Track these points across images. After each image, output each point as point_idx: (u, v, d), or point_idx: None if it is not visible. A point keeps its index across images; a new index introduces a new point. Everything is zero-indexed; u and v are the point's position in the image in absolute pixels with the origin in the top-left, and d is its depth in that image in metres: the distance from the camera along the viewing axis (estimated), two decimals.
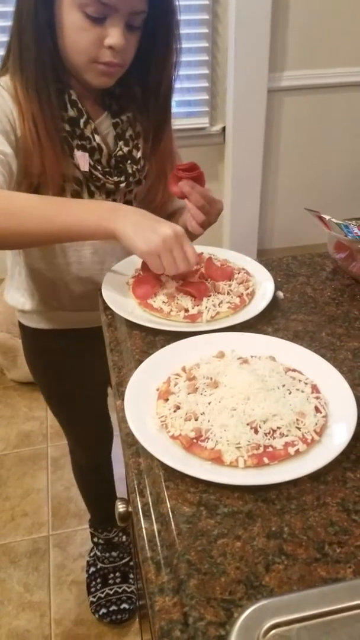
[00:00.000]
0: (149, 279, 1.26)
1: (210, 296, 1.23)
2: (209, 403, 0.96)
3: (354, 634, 0.68)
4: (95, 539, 2.12)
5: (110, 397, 1.82)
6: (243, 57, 2.76)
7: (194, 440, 0.91)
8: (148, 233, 1.11)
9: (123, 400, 0.99)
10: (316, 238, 1.53)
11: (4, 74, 1.26)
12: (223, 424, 0.92)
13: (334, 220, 1.30)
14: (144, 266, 1.28)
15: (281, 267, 1.43)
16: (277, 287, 1.32)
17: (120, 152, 1.38)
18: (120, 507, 1.12)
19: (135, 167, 1.41)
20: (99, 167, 1.34)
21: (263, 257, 1.46)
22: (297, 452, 0.90)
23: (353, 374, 1.08)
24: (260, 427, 0.92)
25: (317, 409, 0.96)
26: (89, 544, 2.19)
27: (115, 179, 1.37)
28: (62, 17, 1.19)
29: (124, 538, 2.13)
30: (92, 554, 2.15)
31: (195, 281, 1.25)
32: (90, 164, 1.32)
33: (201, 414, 0.95)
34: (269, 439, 0.91)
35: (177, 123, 2.82)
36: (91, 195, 1.36)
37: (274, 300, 1.27)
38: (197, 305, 1.21)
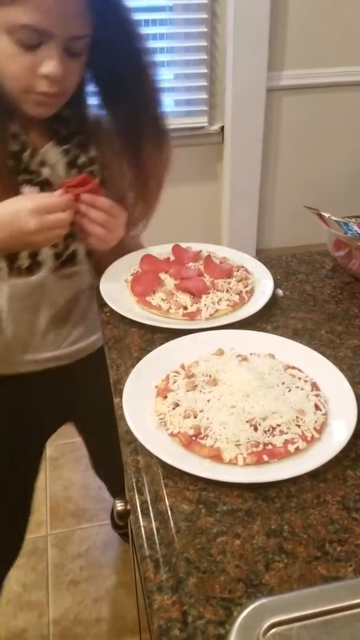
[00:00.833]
0: (147, 277, 1.26)
1: (209, 294, 1.23)
2: (208, 401, 0.96)
3: (355, 633, 0.68)
4: None
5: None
6: (242, 56, 2.75)
7: (193, 438, 0.90)
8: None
9: (121, 398, 0.99)
10: (315, 238, 1.52)
11: None
12: (222, 421, 0.91)
13: (333, 217, 1.30)
14: (143, 263, 1.27)
15: (280, 265, 1.42)
16: (277, 285, 1.31)
17: None
18: (119, 506, 1.11)
19: None
20: None
21: (262, 256, 1.45)
22: (297, 449, 0.89)
23: (353, 371, 1.07)
24: (259, 424, 0.91)
25: (316, 407, 0.95)
26: (88, 543, 2.19)
27: None
28: None
29: None
30: None
31: (194, 279, 1.24)
32: None
33: (200, 412, 0.94)
34: (268, 437, 0.90)
35: (175, 122, 2.83)
36: None
37: (273, 298, 1.27)
38: (196, 303, 1.20)
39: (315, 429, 0.92)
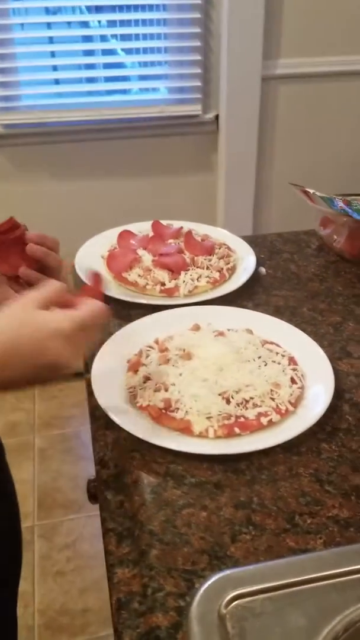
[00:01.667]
0: (124, 253, 1.23)
1: (188, 270, 1.20)
2: (180, 374, 0.93)
3: (320, 605, 0.65)
4: None
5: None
6: (236, 44, 2.71)
7: (163, 411, 0.87)
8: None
9: (91, 372, 0.96)
10: (311, 227, 1.48)
11: None
12: (194, 394, 0.89)
13: (318, 193, 1.27)
14: (120, 239, 1.24)
15: (265, 244, 1.39)
16: (261, 264, 1.28)
17: None
18: (92, 486, 1.08)
19: None
20: None
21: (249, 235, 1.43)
22: (270, 422, 0.86)
23: (333, 347, 1.04)
24: (232, 397, 0.89)
25: (293, 380, 0.93)
26: (75, 534, 2.16)
27: None
28: None
29: None
30: None
31: (173, 255, 1.21)
32: None
33: (172, 385, 0.91)
34: (241, 410, 0.87)
35: (168, 110, 2.80)
36: None
37: (256, 275, 1.24)
38: (175, 279, 1.17)
39: (290, 402, 0.89)
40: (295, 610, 0.64)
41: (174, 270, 1.18)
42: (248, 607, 0.64)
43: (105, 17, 2.67)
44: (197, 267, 1.21)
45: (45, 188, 2.92)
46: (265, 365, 0.95)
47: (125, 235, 1.30)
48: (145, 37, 2.73)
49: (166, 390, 0.90)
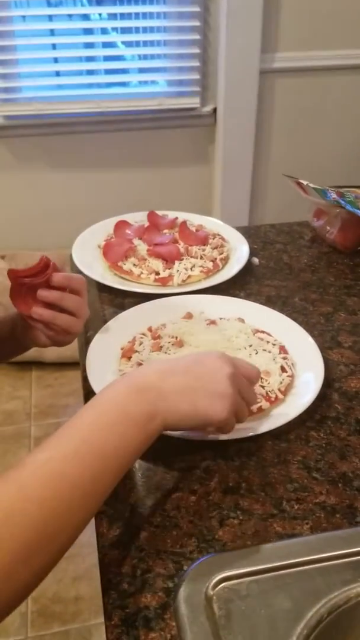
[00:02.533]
0: (120, 242, 1.24)
1: (182, 260, 1.21)
2: None
3: (306, 588, 0.66)
4: None
5: None
6: (235, 37, 2.72)
7: None
8: (211, 397, 0.73)
9: (86, 359, 0.97)
10: (305, 219, 1.49)
11: None
12: None
13: (311, 185, 1.28)
14: (116, 229, 1.25)
15: (259, 235, 1.40)
16: (253, 254, 1.29)
17: None
18: None
19: None
20: None
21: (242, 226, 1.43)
22: (260, 409, 0.87)
23: (324, 337, 1.06)
24: None
25: (283, 369, 0.94)
26: None
27: None
28: None
29: None
30: None
31: (168, 245, 1.22)
32: None
33: None
34: None
35: (167, 103, 2.81)
36: None
37: (249, 266, 1.25)
38: (169, 269, 1.18)
39: (280, 390, 0.90)
40: (281, 593, 0.65)
41: (168, 260, 1.19)
42: (234, 589, 0.66)
43: (105, 9, 2.68)
44: (191, 257, 1.22)
45: (44, 179, 2.93)
46: (256, 353, 0.96)
47: (121, 225, 1.31)
48: (145, 30, 2.73)
49: None
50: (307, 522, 0.74)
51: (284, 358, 0.96)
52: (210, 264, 1.20)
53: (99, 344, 1.00)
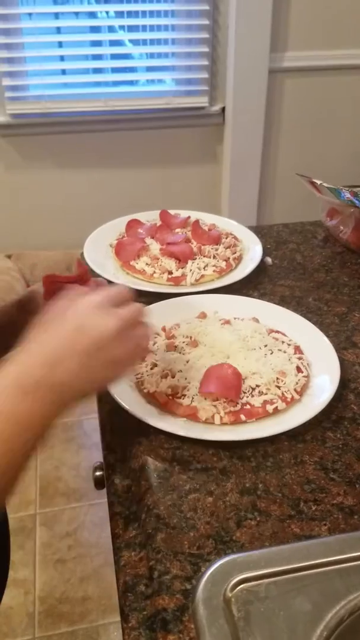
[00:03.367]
0: (132, 242, 1.23)
1: (195, 259, 1.20)
2: (187, 361, 0.93)
3: (324, 590, 0.65)
4: None
5: None
6: (244, 36, 2.71)
7: (170, 397, 0.88)
8: (106, 367, 0.73)
9: None
10: (315, 219, 1.49)
11: None
12: (200, 381, 0.89)
13: (325, 184, 1.27)
14: (129, 228, 1.24)
15: (271, 235, 1.40)
16: (266, 254, 1.28)
17: None
18: (97, 472, 1.08)
19: None
20: None
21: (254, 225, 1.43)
22: (276, 410, 0.86)
23: (339, 337, 1.05)
24: None
25: (298, 369, 0.93)
26: (77, 522, 2.17)
27: None
28: None
29: None
30: None
31: (181, 244, 1.22)
32: None
33: (178, 372, 0.91)
34: (247, 397, 0.88)
35: (175, 102, 2.80)
36: None
37: (262, 265, 1.24)
38: (182, 268, 1.18)
39: (295, 390, 0.89)
40: (300, 594, 0.65)
41: (181, 259, 1.18)
42: (253, 591, 0.65)
43: (113, 7, 2.67)
44: (204, 256, 1.21)
45: (51, 178, 2.93)
46: (272, 353, 0.95)
47: (133, 224, 1.31)
48: (152, 28, 2.72)
49: (173, 376, 0.91)
50: (325, 523, 0.73)
51: (299, 358, 0.95)
52: (223, 264, 1.20)
53: None
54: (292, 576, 0.67)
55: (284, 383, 0.90)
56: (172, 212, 1.35)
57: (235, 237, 1.29)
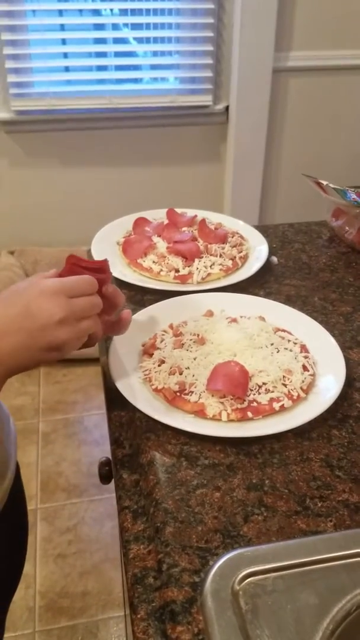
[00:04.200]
0: (140, 240, 1.24)
1: (201, 258, 1.21)
2: (195, 358, 0.94)
3: (331, 584, 0.66)
4: None
5: None
6: (249, 35, 2.72)
7: (177, 394, 0.89)
8: (47, 351, 0.76)
9: (108, 355, 0.97)
10: (319, 219, 1.50)
11: None
12: (208, 378, 0.90)
13: (331, 185, 1.28)
14: (136, 226, 1.25)
15: (277, 234, 1.41)
16: (272, 253, 1.30)
17: None
18: (105, 467, 1.10)
19: None
20: None
21: (259, 225, 1.44)
22: (282, 407, 0.88)
23: (344, 337, 1.06)
24: None
25: (304, 368, 0.94)
26: (77, 518, 2.18)
27: None
28: None
29: None
30: None
31: (187, 242, 1.23)
32: None
33: (186, 369, 0.93)
34: (254, 395, 0.89)
35: (179, 100, 2.81)
36: None
37: (268, 265, 1.25)
38: (188, 266, 1.19)
39: (302, 388, 0.90)
40: (306, 588, 0.66)
41: (188, 258, 1.19)
42: (260, 584, 0.66)
43: (117, 5, 2.68)
44: (211, 255, 1.22)
45: (55, 174, 2.94)
46: (278, 352, 0.97)
47: (140, 222, 1.32)
48: (157, 26, 2.73)
49: (180, 373, 0.92)
50: (331, 519, 0.74)
51: (305, 357, 0.96)
52: (229, 262, 1.21)
53: (119, 340, 1.00)
54: (298, 570, 0.68)
55: (290, 381, 0.91)
56: (178, 210, 1.36)
57: (241, 236, 1.30)
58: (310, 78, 2.92)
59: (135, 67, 2.88)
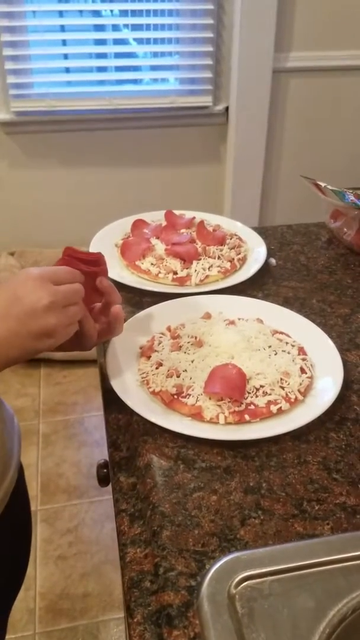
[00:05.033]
0: (138, 242, 1.24)
1: (200, 260, 1.21)
2: (192, 361, 0.94)
3: (328, 588, 0.66)
4: None
5: None
6: (249, 36, 2.72)
7: (175, 397, 0.89)
8: (36, 338, 0.75)
9: (105, 357, 0.97)
10: (318, 220, 1.50)
11: None
12: (205, 380, 0.90)
13: (329, 187, 1.28)
14: (134, 228, 1.25)
15: (275, 236, 1.41)
16: (270, 255, 1.29)
17: None
18: (102, 470, 1.10)
19: None
20: None
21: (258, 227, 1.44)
22: (280, 410, 0.87)
23: (342, 339, 1.06)
24: None
25: (302, 370, 0.94)
26: (78, 519, 2.18)
27: None
28: None
29: None
30: None
31: (186, 244, 1.23)
32: None
33: (183, 371, 0.93)
34: (251, 397, 0.89)
35: (179, 101, 2.81)
36: None
37: (266, 266, 1.25)
38: (186, 268, 1.19)
39: (299, 391, 0.90)
40: (303, 592, 0.66)
41: (186, 260, 1.19)
42: (257, 588, 0.66)
43: (117, 6, 2.68)
44: (209, 257, 1.22)
45: (54, 175, 2.94)
46: (276, 354, 0.96)
47: (138, 224, 1.32)
48: (157, 27, 2.73)
49: (178, 376, 0.92)
50: (328, 522, 0.74)
51: (303, 359, 0.96)
52: (228, 264, 1.21)
53: (117, 342, 1.00)
54: (295, 574, 0.68)
55: (288, 384, 0.91)
56: (177, 212, 1.36)
57: (239, 238, 1.30)
58: (310, 78, 2.91)
59: (135, 68, 2.88)
